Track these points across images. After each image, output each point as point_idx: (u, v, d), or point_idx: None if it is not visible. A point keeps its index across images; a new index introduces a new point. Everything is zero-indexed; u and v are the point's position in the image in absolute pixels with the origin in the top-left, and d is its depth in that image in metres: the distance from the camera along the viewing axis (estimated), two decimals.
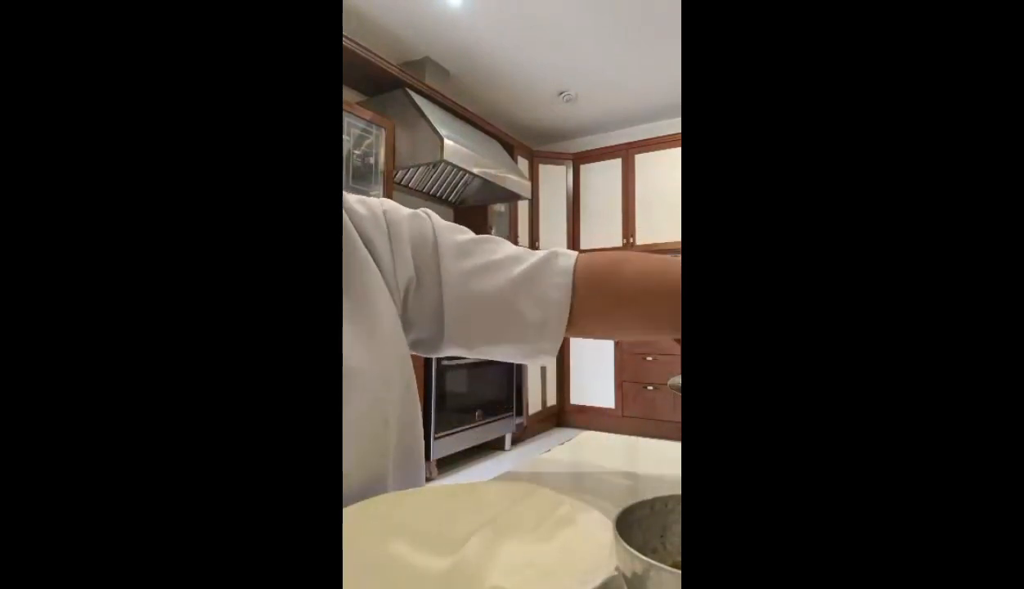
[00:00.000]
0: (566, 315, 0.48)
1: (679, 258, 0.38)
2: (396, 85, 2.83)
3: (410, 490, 0.41)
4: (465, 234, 0.52)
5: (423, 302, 0.50)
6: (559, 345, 0.49)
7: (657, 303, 0.45)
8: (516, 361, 0.53)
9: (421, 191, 3.23)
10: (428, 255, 0.49)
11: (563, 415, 3.84)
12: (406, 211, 0.52)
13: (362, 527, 0.35)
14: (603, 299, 0.47)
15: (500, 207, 3.69)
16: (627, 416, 3.56)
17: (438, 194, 3.34)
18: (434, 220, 0.52)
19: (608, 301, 0.47)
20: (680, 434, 0.24)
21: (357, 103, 2.71)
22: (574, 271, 0.48)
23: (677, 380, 0.53)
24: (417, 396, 0.51)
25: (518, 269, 0.49)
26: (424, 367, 2.59)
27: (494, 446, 3.24)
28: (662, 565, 0.23)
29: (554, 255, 0.50)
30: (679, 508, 0.31)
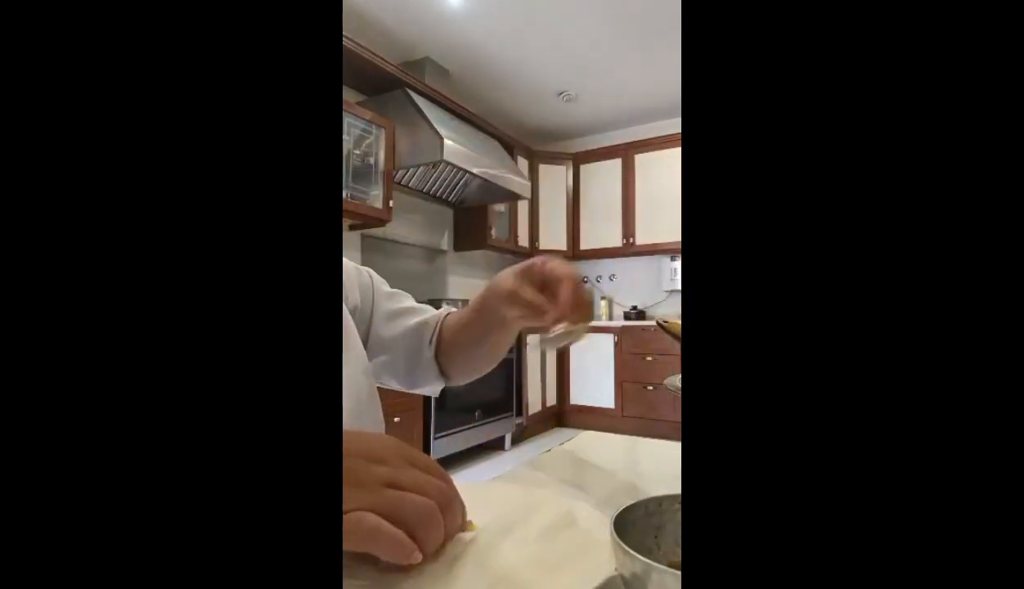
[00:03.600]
0: (432, 350, 0.64)
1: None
2: (396, 85, 2.83)
3: None
4: (387, 286, 0.70)
5: (359, 328, 0.64)
6: (438, 376, 0.65)
7: (472, 327, 0.61)
8: (413, 390, 0.68)
9: (421, 191, 3.23)
10: (368, 296, 0.66)
11: (563, 415, 3.83)
12: (350, 263, 0.66)
13: None
14: (451, 337, 0.64)
15: (500, 207, 3.68)
16: (627, 416, 3.56)
17: (438, 194, 3.34)
18: (372, 273, 0.69)
19: (454, 337, 0.64)
20: (679, 434, 0.24)
21: (357, 103, 2.71)
22: (441, 320, 0.65)
23: (674, 380, 0.53)
24: (378, 397, 0.59)
25: (424, 316, 0.66)
26: None
27: (494, 446, 3.24)
28: (661, 566, 0.23)
29: (447, 312, 0.67)
30: (672, 508, 0.31)
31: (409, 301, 0.68)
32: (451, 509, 0.32)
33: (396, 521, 0.28)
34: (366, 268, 0.69)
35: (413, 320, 0.65)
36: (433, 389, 0.67)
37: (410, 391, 0.67)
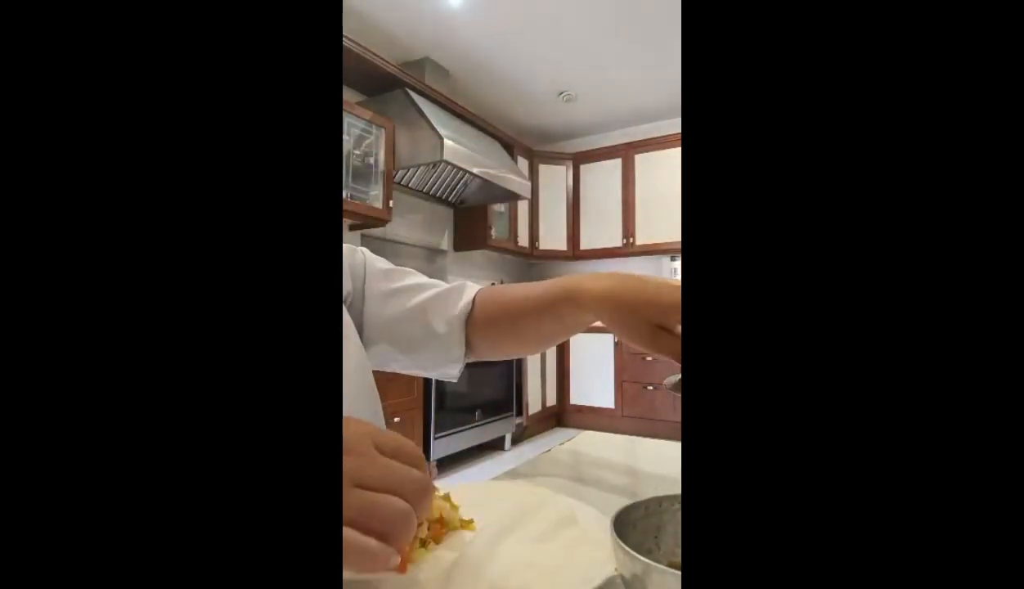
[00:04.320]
0: (463, 327, 0.57)
1: (542, 282, 0.55)
2: (396, 85, 2.83)
3: None
4: (389, 264, 0.64)
5: (351, 314, 0.60)
6: (463, 355, 0.58)
7: (527, 321, 0.56)
8: (426, 373, 0.62)
9: (421, 191, 3.23)
10: (359, 277, 0.61)
11: (563, 415, 3.83)
12: (345, 246, 0.62)
13: None
14: (493, 317, 0.58)
15: (500, 207, 3.68)
16: (626, 416, 3.56)
17: (438, 194, 3.34)
18: (367, 252, 0.63)
19: (497, 320, 0.58)
20: (679, 434, 0.24)
21: (357, 103, 2.71)
22: (475, 295, 0.59)
23: (673, 379, 0.53)
24: (378, 395, 0.57)
25: (433, 291, 0.60)
26: None
27: (494, 446, 3.24)
28: (661, 566, 0.23)
29: (463, 284, 0.60)
30: (672, 508, 0.31)
31: (410, 278, 0.62)
32: (424, 503, 0.29)
33: (369, 529, 0.25)
34: (361, 248, 0.64)
35: (415, 299, 0.59)
36: (447, 372, 0.60)
37: (423, 375, 0.62)
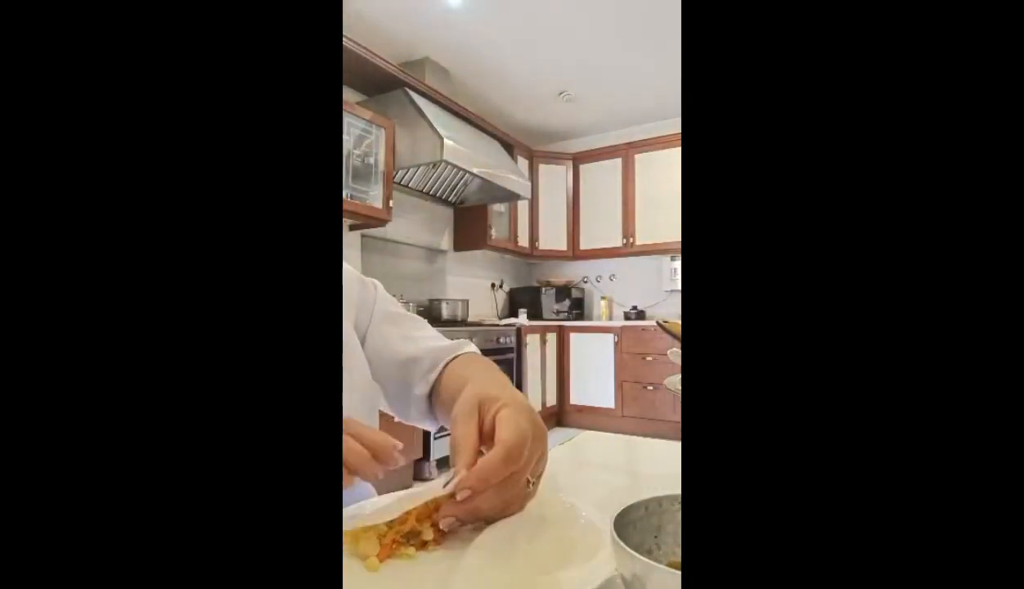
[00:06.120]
0: (428, 399, 0.58)
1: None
2: (396, 85, 2.83)
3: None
4: (399, 308, 0.64)
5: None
6: (433, 425, 0.59)
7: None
8: (409, 422, 0.62)
9: (421, 191, 3.23)
10: (366, 315, 0.61)
11: (563, 415, 3.83)
12: (356, 275, 0.62)
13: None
14: (451, 398, 0.55)
15: (500, 207, 3.68)
16: (626, 416, 3.56)
17: (438, 194, 3.34)
18: (379, 290, 0.63)
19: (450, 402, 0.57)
20: (679, 434, 0.24)
21: (357, 103, 2.71)
22: (444, 366, 0.57)
23: (674, 380, 0.53)
24: (377, 422, 0.58)
25: (422, 349, 0.59)
26: None
27: None
28: (661, 566, 0.23)
29: (459, 344, 0.59)
30: (672, 508, 0.31)
31: (413, 328, 0.61)
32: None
33: None
34: (372, 280, 0.63)
35: (406, 353, 0.59)
36: (428, 426, 0.60)
37: (408, 423, 0.61)
